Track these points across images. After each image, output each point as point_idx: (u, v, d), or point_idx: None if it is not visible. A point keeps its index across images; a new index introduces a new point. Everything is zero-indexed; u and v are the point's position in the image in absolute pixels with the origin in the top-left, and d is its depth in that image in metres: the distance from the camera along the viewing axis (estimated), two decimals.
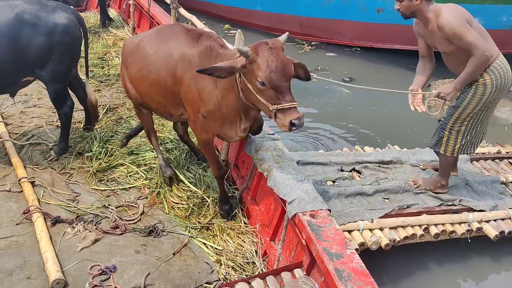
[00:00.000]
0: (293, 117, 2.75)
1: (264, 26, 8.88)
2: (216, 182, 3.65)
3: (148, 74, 3.42)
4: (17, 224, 3.31)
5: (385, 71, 7.73)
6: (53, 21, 3.79)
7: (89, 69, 5.29)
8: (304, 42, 8.66)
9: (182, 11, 5.35)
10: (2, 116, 4.75)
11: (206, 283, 3.07)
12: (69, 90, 4.30)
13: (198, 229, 3.57)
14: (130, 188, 3.91)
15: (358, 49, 8.45)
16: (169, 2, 5.37)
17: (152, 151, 4.26)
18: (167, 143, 4.52)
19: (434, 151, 3.89)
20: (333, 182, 3.95)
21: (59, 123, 4.49)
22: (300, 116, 2.77)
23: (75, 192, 3.74)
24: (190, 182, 3.99)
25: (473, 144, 3.75)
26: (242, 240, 3.52)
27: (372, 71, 7.71)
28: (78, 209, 3.54)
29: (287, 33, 3.00)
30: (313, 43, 8.69)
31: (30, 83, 4.13)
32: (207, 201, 3.78)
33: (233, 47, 3.87)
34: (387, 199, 3.77)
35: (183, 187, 3.93)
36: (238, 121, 3.22)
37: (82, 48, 4.31)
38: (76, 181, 3.91)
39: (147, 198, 3.82)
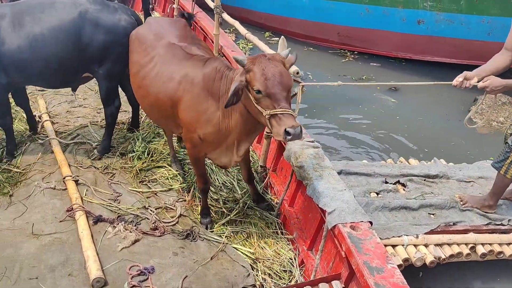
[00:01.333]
0: (288, 125, 2.61)
1: (301, 34, 8.84)
2: (200, 195, 3.61)
3: (147, 95, 3.43)
4: (60, 221, 3.40)
5: (432, 82, 7.56)
6: (113, 21, 3.93)
7: None
8: (346, 51, 8.57)
9: (226, 16, 5.36)
10: (49, 115, 4.90)
11: (243, 287, 3.05)
12: (120, 90, 4.43)
13: (234, 234, 3.56)
14: (169, 190, 3.95)
15: (403, 61, 8.28)
16: (212, 8, 5.41)
17: None
18: None
19: (494, 167, 3.68)
20: (377, 194, 3.86)
21: (103, 123, 4.63)
22: (296, 125, 2.63)
23: (116, 192, 3.81)
24: (227, 187, 3.99)
25: None
26: (280, 248, 3.48)
27: (419, 81, 7.52)
28: (119, 209, 3.60)
29: (289, 49, 2.99)
30: (355, 52, 8.58)
31: (90, 79, 4.30)
32: (242, 205, 3.78)
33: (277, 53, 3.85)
34: (433, 214, 3.64)
35: (220, 192, 3.93)
36: (237, 144, 3.15)
37: None
38: (118, 181, 3.98)
39: (185, 200, 3.84)
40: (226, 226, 3.64)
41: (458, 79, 3.44)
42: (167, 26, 3.69)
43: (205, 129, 3.10)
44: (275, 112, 2.65)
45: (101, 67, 4.00)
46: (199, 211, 3.68)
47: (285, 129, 2.61)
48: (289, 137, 2.63)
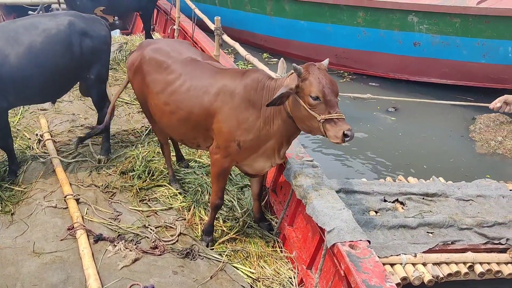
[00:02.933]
0: (345, 128, 2.87)
1: (301, 56, 9.01)
2: (211, 211, 3.62)
3: (177, 111, 3.44)
4: (61, 240, 3.42)
5: (430, 103, 7.68)
6: (97, 30, 4.32)
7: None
8: (344, 72, 8.71)
9: (226, 38, 5.48)
10: (50, 134, 4.95)
11: None
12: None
13: (234, 253, 3.57)
14: (169, 208, 3.97)
15: (402, 81, 8.40)
16: (213, 29, 5.52)
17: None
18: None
19: None
20: (376, 212, 3.88)
21: (101, 148, 4.70)
22: (350, 127, 2.89)
23: (117, 211, 3.84)
24: (227, 206, 4.02)
25: None
26: (279, 267, 3.49)
27: (417, 102, 7.62)
28: (120, 227, 3.62)
29: (327, 59, 3.17)
30: (352, 73, 8.73)
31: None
32: (242, 224, 3.80)
33: (276, 74, 3.94)
34: (431, 233, 3.67)
35: (220, 210, 3.95)
36: (277, 149, 3.29)
37: None
38: (118, 200, 4.01)
39: (184, 219, 3.86)
40: (226, 244, 3.66)
41: (497, 103, 3.51)
42: (177, 45, 3.77)
43: (246, 136, 3.20)
44: (331, 117, 2.89)
45: (92, 73, 4.35)
46: (202, 228, 3.71)
47: (343, 131, 2.85)
48: (347, 139, 2.88)
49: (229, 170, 3.49)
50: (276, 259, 3.56)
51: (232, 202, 4.08)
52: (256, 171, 3.50)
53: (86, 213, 3.73)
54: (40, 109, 5.53)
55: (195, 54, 3.64)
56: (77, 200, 3.86)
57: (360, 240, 2.92)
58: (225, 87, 3.26)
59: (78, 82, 4.60)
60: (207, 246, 3.60)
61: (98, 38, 4.27)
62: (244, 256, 3.56)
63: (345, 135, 2.86)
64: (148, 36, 8.03)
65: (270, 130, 3.19)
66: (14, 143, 4.39)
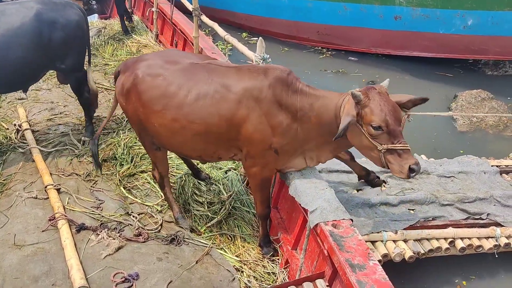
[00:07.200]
0: (411, 162, 2.68)
1: (282, 34, 8.94)
2: (261, 221, 3.41)
3: (189, 125, 3.01)
4: (43, 231, 3.37)
5: (410, 78, 7.68)
6: (67, 18, 4.16)
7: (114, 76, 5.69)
8: (323, 49, 8.69)
9: (205, 18, 5.37)
10: (29, 123, 4.85)
11: None
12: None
13: (219, 237, 3.58)
14: (152, 195, 3.95)
15: (381, 55, 8.40)
16: (191, 10, 5.41)
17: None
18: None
19: None
20: (357, 191, 3.90)
21: (85, 130, 4.67)
22: (417, 161, 2.71)
23: (99, 199, 3.80)
24: (213, 190, 4.00)
25: None
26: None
27: (398, 76, 7.64)
28: (102, 216, 3.59)
29: (388, 79, 2.94)
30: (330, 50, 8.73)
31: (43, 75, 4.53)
32: (227, 207, 3.80)
33: (255, 54, 3.87)
34: (412, 210, 3.70)
35: (204, 195, 3.94)
36: (317, 152, 3.14)
37: None
38: (100, 188, 3.96)
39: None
40: (212, 228, 3.66)
41: None
42: (167, 54, 3.36)
43: (284, 139, 2.98)
44: (394, 148, 2.70)
45: (64, 61, 4.24)
46: (259, 240, 3.49)
47: (410, 166, 2.68)
48: (413, 174, 2.70)
49: (271, 178, 3.25)
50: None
51: (218, 186, 4.06)
52: (299, 168, 3.26)
53: (67, 203, 3.69)
54: (18, 99, 5.41)
55: (190, 58, 3.26)
56: (58, 190, 3.81)
57: (343, 219, 2.92)
58: (247, 92, 2.92)
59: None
60: (272, 255, 3.43)
61: (68, 26, 4.14)
62: (230, 239, 3.57)
63: (411, 170, 2.67)
64: (122, 21, 7.86)
65: (316, 142, 3.03)
66: None
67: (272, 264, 3.39)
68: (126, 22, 7.91)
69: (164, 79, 3.08)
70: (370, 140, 2.74)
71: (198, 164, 4.17)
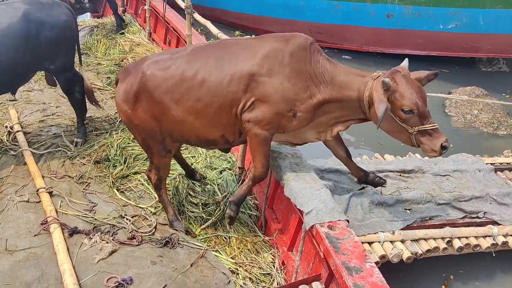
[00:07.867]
0: (442, 140, 2.76)
1: (273, 32, 8.91)
2: (246, 183, 3.27)
3: (212, 100, 3.00)
4: (35, 235, 3.32)
5: None
6: (55, 17, 4.10)
7: (106, 75, 6.06)
8: None
9: (197, 16, 5.33)
10: (21, 125, 4.79)
11: None
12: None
13: (215, 239, 3.54)
14: (146, 197, 3.90)
15: (375, 53, 8.39)
16: (184, 8, 5.37)
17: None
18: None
19: None
20: (358, 190, 3.86)
21: (77, 131, 4.61)
22: (446, 138, 2.78)
23: (92, 202, 3.75)
24: (204, 191, 3.96)
25: None
26: (259, 250, 3.48)
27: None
28: (95, 219, 3.54)
29: (406, 59, 2.98)
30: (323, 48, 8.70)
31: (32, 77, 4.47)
32: (222, 208, 3.75)
33: None
34: (409, 209, 3.68)
35: (198, 196, 3.90)
36: (331, 125, 3.15)
37: None
38: (93, 190, 3.91)
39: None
40: (207, 230, 3.62)
41: None
42: (170, 50, 3.48)
43: (306, 105, 2.98)
44: (425, 128, 2.77)
45: (53, 62, 4.19)
46: (232, 199, 3.31)
47: (441, 143, 2.76)
48: (444, 151, 2.76)
49: (271, 137, 3.13)
50: (256, 242, 3.54)
51: (213, 187, 4.02)
52: (298, 141, 3.31)
53: (60, 206, 3.63)
54: (10, 100, 5.33)
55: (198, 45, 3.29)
56: (50, 193, 3.76)
57: (339, 220, 2.89)
58: (271, 53, 2.96)
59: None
60: (231, 215, 3.30)
61: (56, 26, 4.08)
62: (225, 241, 3.54)
63: (443, 147, 2.75)
64: (117, 15, 7.79)
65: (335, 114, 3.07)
66: None
67: (269, 265, 3.35)
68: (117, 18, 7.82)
69: (178, 67, 3.07)
70: (400, 124, 2.79)
71: (192, 164, 4.14)
